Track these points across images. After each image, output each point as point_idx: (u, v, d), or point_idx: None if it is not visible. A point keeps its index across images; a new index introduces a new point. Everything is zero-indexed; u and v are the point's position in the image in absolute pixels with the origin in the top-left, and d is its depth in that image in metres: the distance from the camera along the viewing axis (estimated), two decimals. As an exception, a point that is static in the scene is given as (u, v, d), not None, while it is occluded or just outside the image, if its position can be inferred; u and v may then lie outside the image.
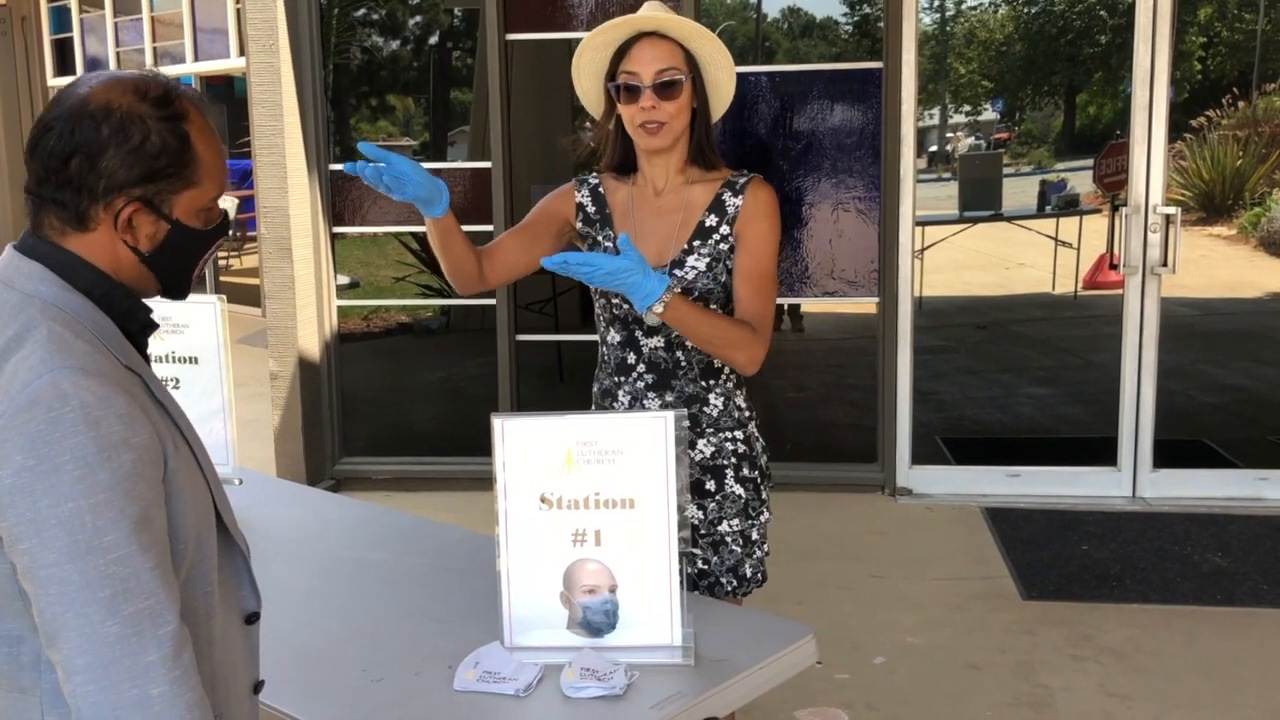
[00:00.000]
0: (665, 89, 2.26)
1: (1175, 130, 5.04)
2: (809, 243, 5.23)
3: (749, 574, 2.41)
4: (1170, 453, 5.15)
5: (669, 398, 2.36)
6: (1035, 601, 4.12)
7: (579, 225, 2.47)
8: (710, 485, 2.38)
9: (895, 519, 5.01)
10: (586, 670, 1.87)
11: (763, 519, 2.43)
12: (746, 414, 2.42)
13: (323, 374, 5.53)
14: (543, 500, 1.97)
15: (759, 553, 2.42)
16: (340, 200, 5.48)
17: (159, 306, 2.75)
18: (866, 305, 5.32)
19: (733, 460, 2.39)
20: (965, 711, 3.39)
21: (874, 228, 5.16)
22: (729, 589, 2.39)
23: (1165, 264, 4.95)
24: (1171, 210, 4.92)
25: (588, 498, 1.97)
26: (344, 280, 5.69)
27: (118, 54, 11.73)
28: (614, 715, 1.78)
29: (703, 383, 2.36)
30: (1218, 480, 5.10)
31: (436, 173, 1.90)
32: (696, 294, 2.31)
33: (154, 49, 11.20)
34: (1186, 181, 5.78)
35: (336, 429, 5.60)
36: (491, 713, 1.80)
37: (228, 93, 12.09)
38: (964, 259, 6.47)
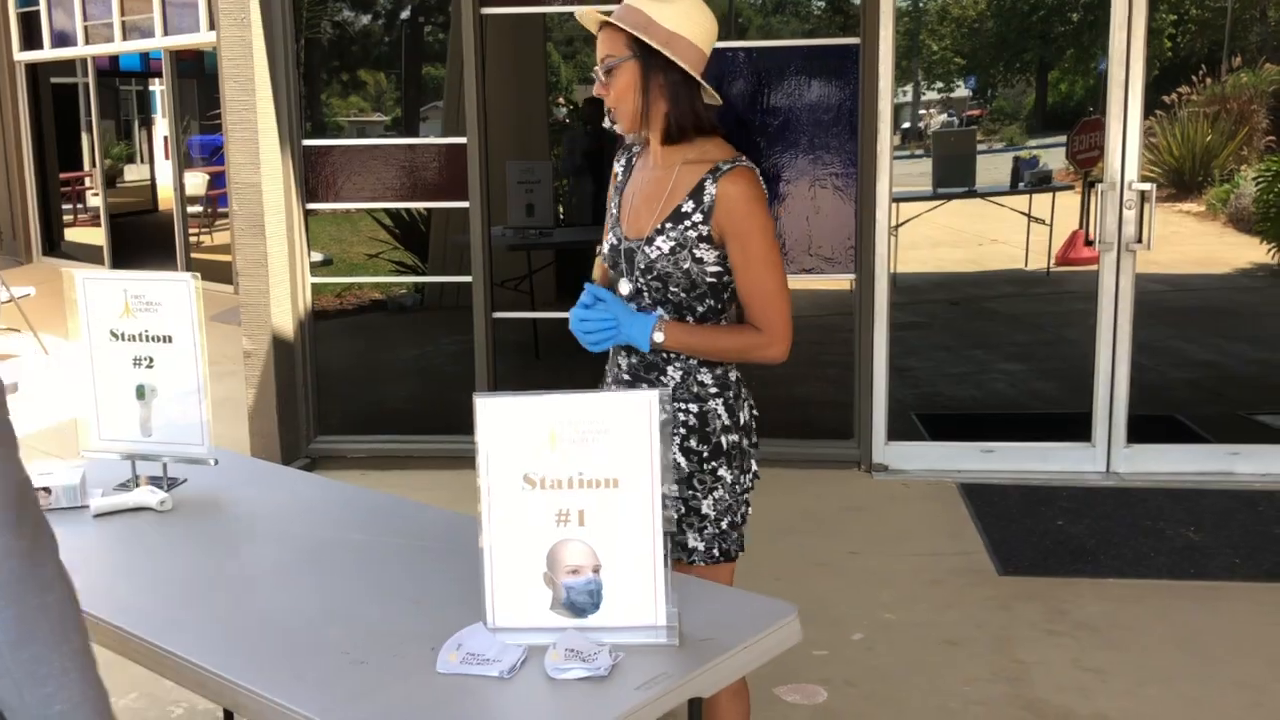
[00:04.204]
0: (608, 74, 2.33)
1: (1146, 107, 5.05)
2: (785, 220, 5.22)
3: (691, 544, 2.42)
4: (1142, 428, 5.18)
5: (633, 359, 2.44)
6: (1011, 577, 4.15)
7: (612, 192, 2.54)
8: None
9: (871, 495, 5.03)
10: (571, 651, 1.86)
11: (716, 495, 2.41)
12: (712, 389, 2.40)
13: (297, 352, 5.49)
14: (526, 480, 1.95)
15: (712, 529, 2.41)
16: (313, 176, 5.42)
17: (131, 284, 2.73)
18: (840, 282, 5.33)
19: (681, 431, 2.40)
20: (943, 687, 3.41)
21: (851, 204, 5.15)
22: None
23: (1140, 240, 4.97)
24: (1146, 187, 4.93)
25: (571, 478, 1.95)
26: (317, 257, 5.65)
27: (85, 28, 11.57)
28: (599, 696, 1.77)
29: (662, 354, 2.39)
30: (1190, 455, 5.14)
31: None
32: (655, 274, 2.36)
33: (122, 23, 11.05)
34: (1156, 158, 5.80)
35: (311, 407, 5.56)
36: (476, 695, 1.79)
37: (197, 67, 11.95)
38: (937, 235, 6.48)
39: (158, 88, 14.26)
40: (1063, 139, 5.77)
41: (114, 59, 12.85)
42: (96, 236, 12.20)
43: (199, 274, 2.72)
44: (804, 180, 5.18)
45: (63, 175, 13.15)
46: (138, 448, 2.78)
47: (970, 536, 4.51)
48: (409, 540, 2.45)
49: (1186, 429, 5.43)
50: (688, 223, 2.33)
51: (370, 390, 5.86)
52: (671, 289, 2.36)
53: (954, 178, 6.35)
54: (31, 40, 12.20)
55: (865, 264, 5.13)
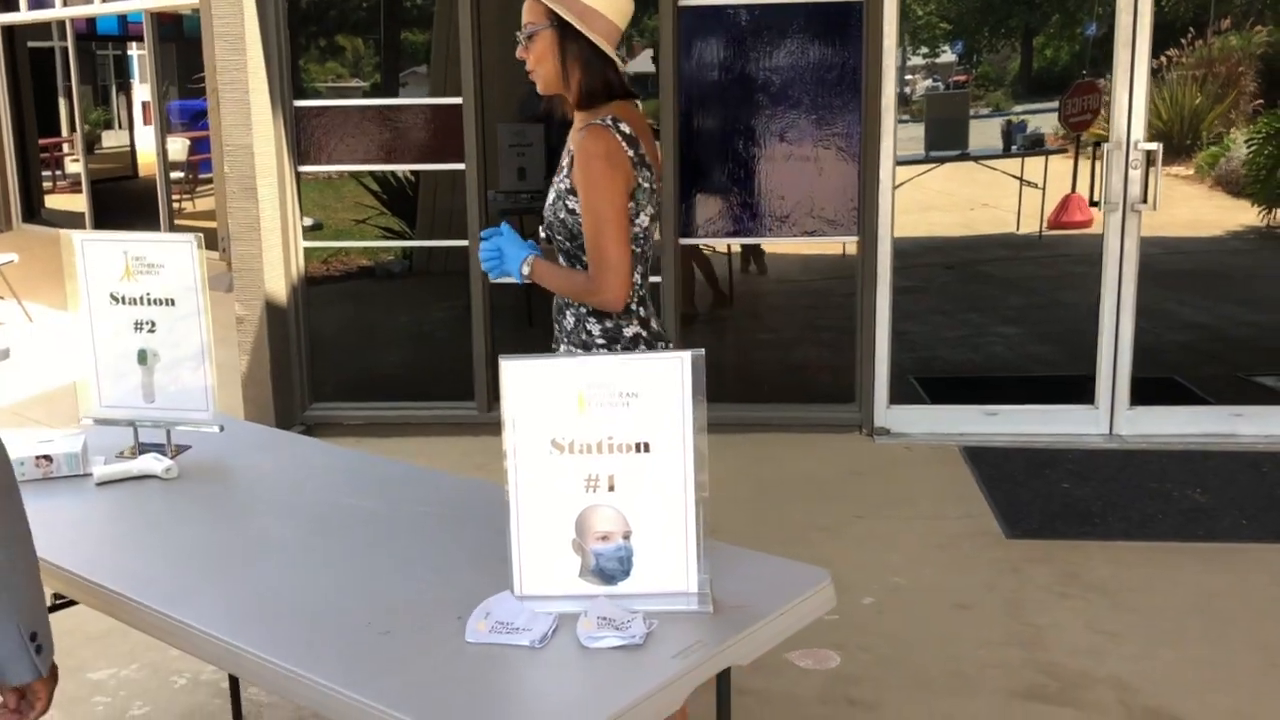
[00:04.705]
0: (528, 39, 2.52)
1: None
2: (787, 182, 5.15)
3: None
4: (1142, 390, 5.16)
5: (555, 302, 2.65)
6: (1019, 540, 4.12)
7: None
8: None
9: (874, 459, 4.99)
10: (603, 619, 1.81)
11: None
12: (598, 340, 2.56)
13: (290, 317, 5.40)
14: (553, 445, 1.90)
15: None
16: (305, 138, 5.31)
17: (132, 246, 2.65)
18: (834, 245, 5.29)
19: None
20: (956, 651, 3.37)
21: (853, 165, 5.09)
22: None
23: (1145, 200, 4.92)
24: (1153, 146, 4.89)
25: (600, 442, 1.89)
26: (307, 222, 5.55)
27: (63, -12, 11.35)
28: (635, 665, 1.72)
29: (564, 300, 2.61)
30: (1193, 417, 5.12)
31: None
32: (546, 223, 2.59)
33: (103, -17, 10.84)
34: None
35: (305, 374, 5.48)
36: (508, 665, 1.74)
37: (176, 31, 11.76)
38: (927, 200, 6.44)
39: (135, 52, 14.03)
40: (1048, 104, 5.72)
41: (90, 22, 12.63)
42: (77, 203, 12.02)
43: (201, 235, 2.64)
44: (806, 141, 5.11)
45: (41, 141, 12.95)
46: (140, 414, 2.71)
47: (975, 500, 4.48)
48: (425, 507, 2.39)
49: (1186, 391, 5.40)
50: (561, 176, 2.55)
51: (363, 357, 5.78)
52: (558, 238, 2.56)
53: (946, 141, 6.28)
54: (6, 2, 11.97)
55: (868, 225, 5.07)
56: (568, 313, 2.61)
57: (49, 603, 2.69)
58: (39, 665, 1.64)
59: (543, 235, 2.63)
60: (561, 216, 2.53)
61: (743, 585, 1.96)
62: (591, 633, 1.78)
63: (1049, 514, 4.33)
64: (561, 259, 2.60)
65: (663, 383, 1.88)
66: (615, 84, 2.51)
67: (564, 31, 2.46)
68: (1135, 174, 4.90)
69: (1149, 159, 4.90)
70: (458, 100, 5.16)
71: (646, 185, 2.51)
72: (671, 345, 2.68)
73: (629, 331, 2.57)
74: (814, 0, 5.09)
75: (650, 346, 2.59)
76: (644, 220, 2.53)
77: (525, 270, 2.54)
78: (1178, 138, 5.82)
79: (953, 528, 4.24)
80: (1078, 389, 5.20)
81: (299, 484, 2.57)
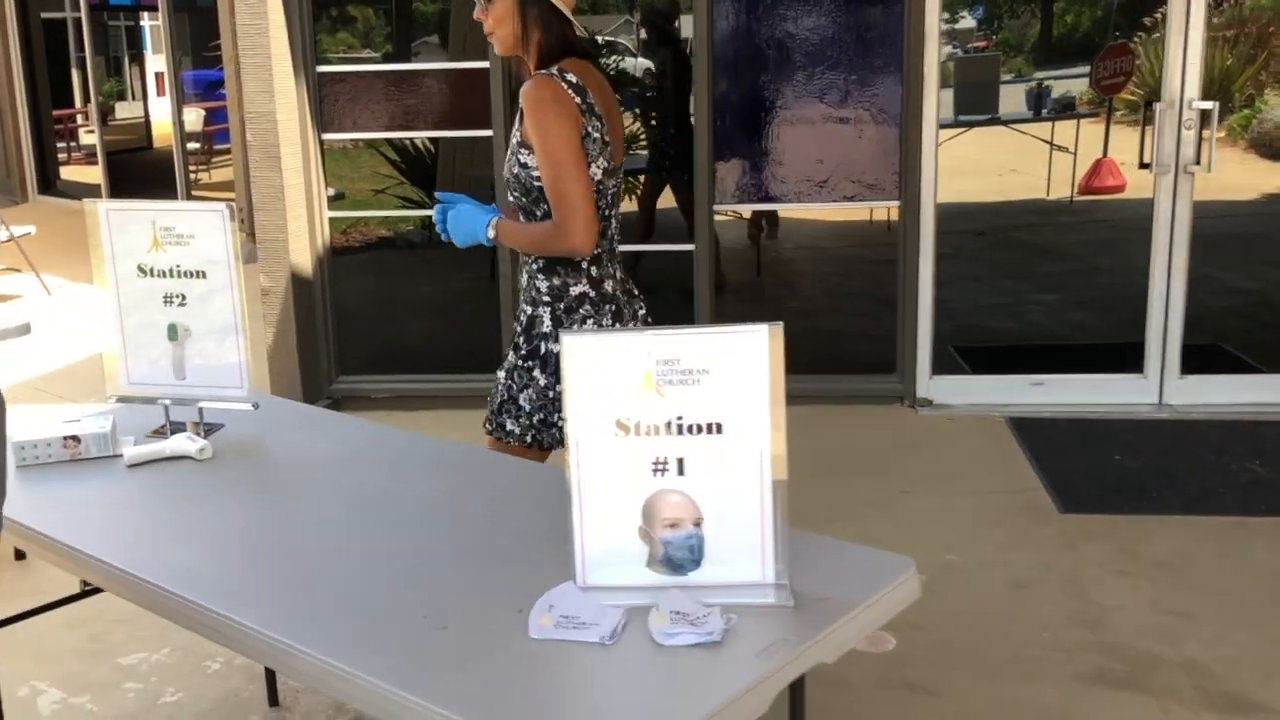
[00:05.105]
0: (487, 2, 2.54)
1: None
2: (827, 146, 4.99)
3: (509, 426, 2.67)
4: (1188, 358, 5.00)
5: (520, 261, 2.70)
6: (1073, 514, 3.98)
7: None
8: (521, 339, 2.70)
9: (918, 431, 4.85)
10: (677, 614, 1.68)
11: (529, 392, 2.62)
12: (544, 298, 2.59)
13: (316, 289, 5.28)
14: (618, 426, 1.76)
15: (526, 419, 2.64)
16: (329, 105, 5.17)
17: (160, 215, 2.52)
18: (867, 212, 5.13)
19: (517, 327, 2.68)
20: (1017, 632, 3.24)
21: (894, 129, 4.92)
22: (489, 429, 2.73)
23: (1198, 162, 4.75)
24: (1208, 105, 4.70)
25: (669, 422, 1.76)
26: (330, 192, 5.41)
27: (75, -45, 11.19)
28: (715, 665, 1.59)
29: (523, 257, 2.66)
30: (1245, 386, 4.97)
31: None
32: (506, 181, 2.59)
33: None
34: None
35: (332, 346, 5.36)
36: (577, 663, 1.61)
37: (189, 1, 11.59)
38: (955, 166, 6.31)
39: (148, 22, 13.88)
40: (1068, 70, 5.60)
41: (104, -9, 12.49)
42: (93, 175, 11.91)
43: (234, 203, 2.50)
44: (846, 104, 4.94)
45: (55, 113, 12.82)
46: (170, 391, 2.59)
47: (1026, 473, 4.34)
48: (478, 490, 2.27)
49: (1234, 358, 5.25)
50: (514, 130, 2.56)
51: (388, 329, 5.65)
52: (515, 194, 2.57)
53: (975, 105, 6.14)
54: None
55: (910, 190, 4.91)
56: (524, 271, 2.64)
57: (78, 589, 2.60)
58: None
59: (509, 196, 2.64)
60: (515, 171, 2.53)
61: (821, 575, 1.83)
62: (666, 628, 1.65)
63: (1103, 487, 4.19)
64: (521, 216, 2.60)
65: (738, 358, 1.74)
66: (574, 43, 2.53)
67: None
68: (1189, 134, 4.73)
69: (1203, 119, 4.71)
70: (485, 64, 5.01)
71: (597, 135, 2.50)
72: (634, 311, 2.67)
73: (575, 290, 2.58)
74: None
75: (597, 308, 2.57)
76: (596, 172, 2.50)
77: (490, 233, 2.56)
78: (1209, 100, 5.66)
79: (1004, 502, 4.11)
80: (1122, 357, 5.05)
81: (340, 464, 2.45)
